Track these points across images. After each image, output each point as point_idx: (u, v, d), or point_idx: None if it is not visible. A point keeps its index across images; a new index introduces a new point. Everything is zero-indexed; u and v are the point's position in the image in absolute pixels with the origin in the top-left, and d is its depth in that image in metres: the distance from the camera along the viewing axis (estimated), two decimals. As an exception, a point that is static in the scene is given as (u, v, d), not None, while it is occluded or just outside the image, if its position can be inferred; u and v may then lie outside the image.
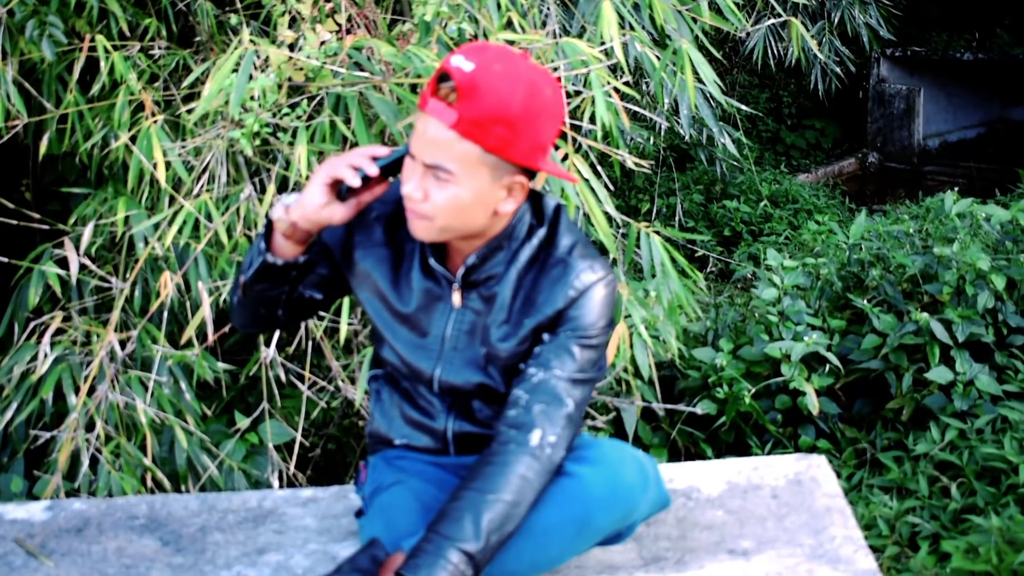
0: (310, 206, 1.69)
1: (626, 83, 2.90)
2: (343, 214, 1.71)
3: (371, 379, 1.91)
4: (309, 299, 1.83)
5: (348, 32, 2.89)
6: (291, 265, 1.75)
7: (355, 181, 1.66)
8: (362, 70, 2.77)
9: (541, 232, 1.73)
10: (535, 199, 1.76)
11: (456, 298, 1.76)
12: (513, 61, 1.60)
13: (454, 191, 1.61)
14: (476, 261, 1.72)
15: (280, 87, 2.73)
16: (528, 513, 1.66)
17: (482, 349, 1.75)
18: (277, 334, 3.00)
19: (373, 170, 1.67)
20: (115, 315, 2.92)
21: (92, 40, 2.98)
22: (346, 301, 2.80)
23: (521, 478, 1.64)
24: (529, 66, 1.62)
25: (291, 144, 2.78)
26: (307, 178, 2.79)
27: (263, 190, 2.98)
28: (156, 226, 2.90)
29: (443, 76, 1.58)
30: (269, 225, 1.75)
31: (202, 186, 2.88)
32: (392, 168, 1.72)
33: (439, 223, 1.65)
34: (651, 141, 6.36)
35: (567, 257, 1.71)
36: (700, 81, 3.00)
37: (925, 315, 3.71)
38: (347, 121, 2.76)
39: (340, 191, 1.70)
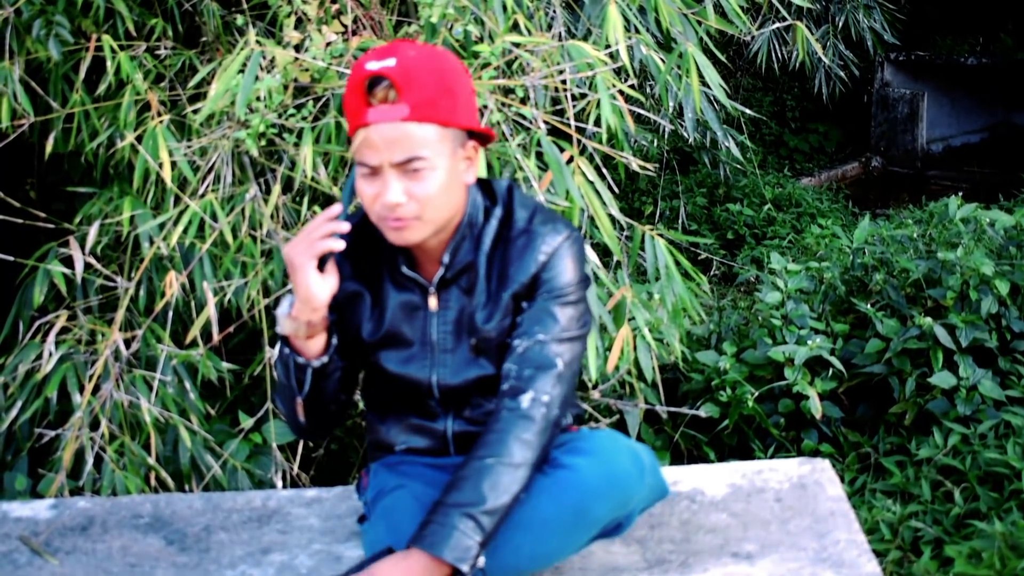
0: (314, 297, 1.68)
1: (631, 86, 2.90)
2: (334, 279, 1.72)
3: (364, 393, 1.93)
4: (350, 366, 1.84)
5: (354, 33, 2.89)
6: (332, 352, 1.76)
7: (340, 245, 1.67)
8: (368, 71, 2.77)
9: (498, 211, 1.78)
10: (484, 184, 1.80)
11: (433, 302, 1.78)
12: (413, 45, 1.66)
13: (433, 176, 1.65)
14: (450, 258, 1.75)
15: (286, 88, 2.73)
16: (528, 487, 1.67)
17: (471, 340, 1.77)
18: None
19: (345, 226, 1.69)
20: (120, 314, 2.92)
21: (98, 40, 2.98)
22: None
23: (517, 440, 1.66)
24: (423, 45, 1.70)
25: (296, 145, 2.78)
26: (312, 179, 2.80)
27: (268, 190, 2.98)
28: (161, 226, 2.90)
29: (371, 83, 1.62)
30: (287, 342, 1.75)
31: (207, 186, 2.88)
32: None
33: (428, 216, 1.68)
34: (655, 144, 6.36)
35: (528, 227, 1.75)
36: (705, 84, 3.00)
37: (928, 320, 3.71)
38: (353, 122, 2.75)
39: (320, 265, 1.71)
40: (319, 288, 1.68)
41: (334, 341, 1.76)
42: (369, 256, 1.80)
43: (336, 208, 1.69)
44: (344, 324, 1.81)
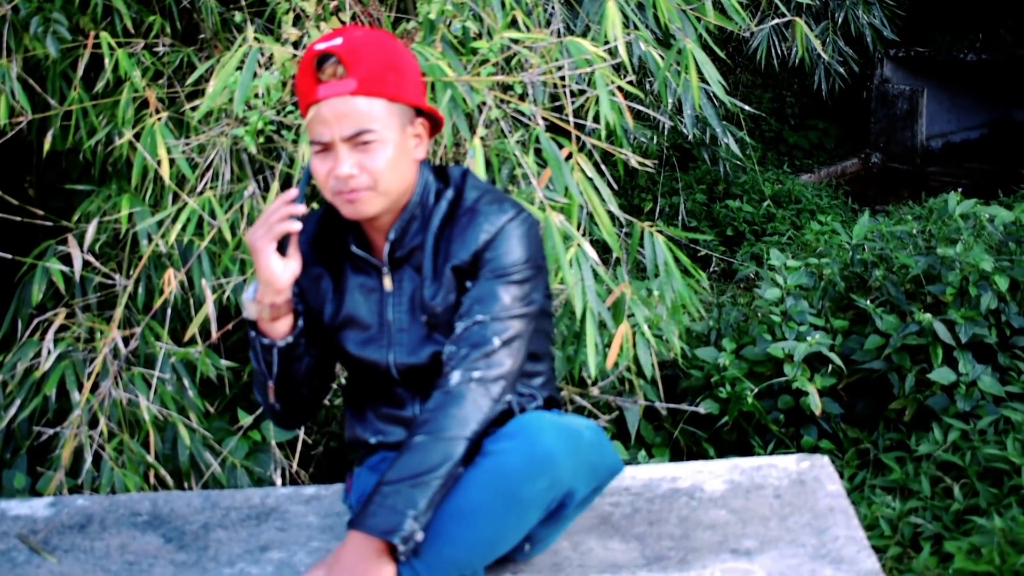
0: (275, 279, 1.73)
1: (630, 82, 2.90)
2: (296, 262, 1.76)
3: (343, 389, 1.95)
4: (321, 352, 1.88)
5: (352, 30, 2.89)
6: (299, 334, 1.80)
7: (297, 226, 1.72)
8: (366, 68, 2.76)
9: (449, 193, 1.81)
10: (439, 170, 1.84)
11: (387, 282, 1.82)
12: (360, 28, 1.76)
13: (383, 149, 1.71)
14: (397, 235, 1.78)
15: (284, 85, 2.73)
16: (465, 462, 1.68)
17: (423, 317, 1.79)
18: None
19: (302, 208, 1.73)
20: (118, 312, 2.92)
21: (96, 37, 2.98)
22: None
23: (447, 415, 1.68)
24: (370, 27, 1.78)
25: (295, 142, 2.78)
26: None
27: (267, 187, 2.98)
28: (160, 223, 2.90)
29: (320, 60, 1.68)
30: (254, 326, 1.79)
31: (206, 183, 2.88)
32: (307, 196, 1.80)
33: (381, 187, 1.72)
34: (654, 140, 6.35)
35: (475, 206, 1.78)
36: (704, 80, 3.00)
37: (928, 316, 3.70)
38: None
39: (281, 248, 1.74)
40: (280, 271, 1.73)
41: (300, 323, 1.80)
42: (332, 241, 1.85)
43: (293, 192, 1.74)
44: (308, 308, 1.86)
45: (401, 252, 1.80)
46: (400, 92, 1.72)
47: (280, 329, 1.78)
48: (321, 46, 1.70)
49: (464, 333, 1.73)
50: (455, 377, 1.71)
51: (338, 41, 1.69)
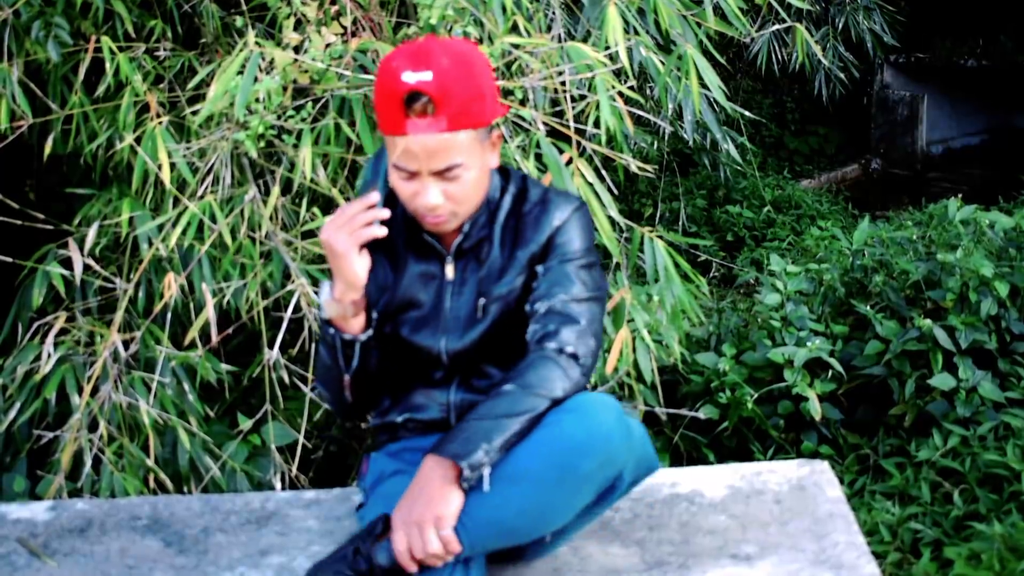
0: (358, 279, 1.75)
1: (630, 87, 2.90)
2: (368, 258, 1.78)
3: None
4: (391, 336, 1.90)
5: (353, 35, 2.89)
6: (376, 329, 1.84)
7: (382, 232, 1.74)
8: (367, 73, 2.77)
9: (512, 188, 1.86)
10: (500, 168, 1.88)
11: (449, 271, 1.85)
12: (444, 48, 1.71)
13: (469, 176, 1.74)
14: (470, 227, 1.82)
15: (285, 89, 2.73)
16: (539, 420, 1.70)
17: (481, 302, 1.83)
18: (280, 336, 3.00)
19: (386, 213, 1.75)
20: (119, 316, 2.92)
21: (97, 41, 2.98)
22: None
23: (538, 374, 1.71)
24: (456, 41, 1.76)
25: (296, 146, 2.78)
26: (311, 181, 2.79)
27: (267, 192, 2.98)
28: (160, 227, 2.90)
29: (410, 98, 1.67)
30: (329, 324, 1.81)
31: (206, 188, 2.88)
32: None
33: (464, 210, 1.78)
34: (655, 146, 6.35)
35: (544, 197, 1.84)
36: (704, 86, 3.00)
37: (928, 321, 3.70)
38: (351, 124, 2.76)
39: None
40: (362, 271, 1.75)
41: (374, 314, 1.83)
42: (391, 227, 1.84)
43: (374, 196, 1.75)
44: (365, 293, 1.86)
45: (468, 244, 1.84)
46: (483, 117, 1.74)
47: (358, 324, 1.81)
48: (410, 78, 1.67)
49: (548, 312, 1.78)
50: (551, 346, 1.75)
51: (428, 77, 1.67)
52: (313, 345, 3.04)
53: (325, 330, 1.82)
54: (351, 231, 1.73)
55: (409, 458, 1.86)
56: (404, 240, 1.86)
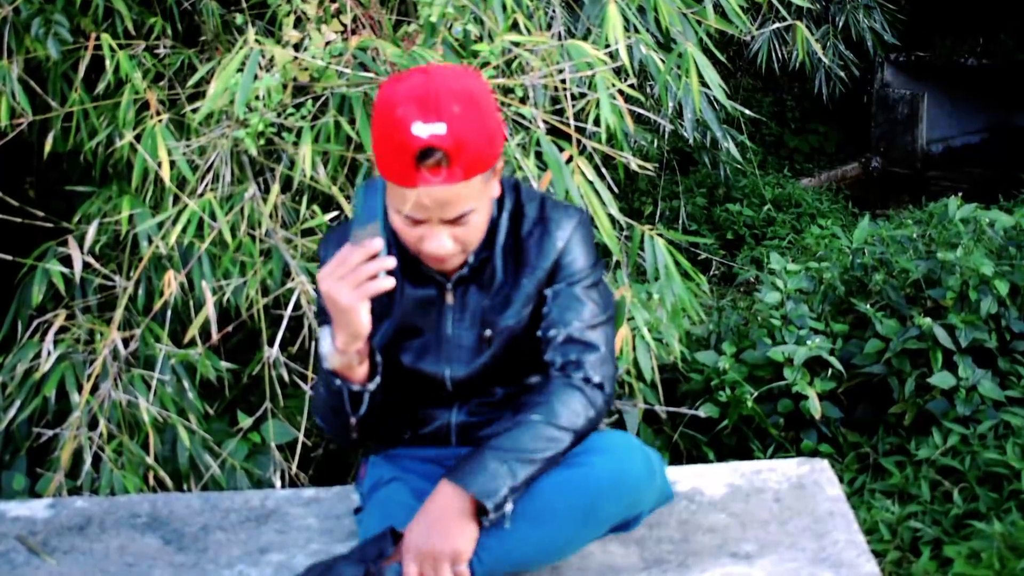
0: (364, 329, 1.64)
1: (631, 86, 2.90)
2: (369, 304, 1.67)
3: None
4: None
5: (353, 32, 2.89)
6: (381, 376, 1.76)
7: (391, 284, 1.60)
8: (367, 70, 2.77)
9: (508, 204, 1.78)
10: None
11: (449, 297, 1.79)
12: (455, 86, 1.58)
13: (477, 218, 1.67)
14: (474, 258, 1.76)
15: (285, 87, 2.73)
16: (560, 458, 1.68)
17: (484, 332, 1.78)
18: (279, 334, 3.00)
19: (392, 262, 1.61)
20: (118, 313, 2.92)
21: (97, 39, 2.98)
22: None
23: (565, 406, 1.69)
24: (460, 77, 1.62)
25: (295, 144, 2.78)
26: (311, 179, 2.79)
27: (267, 190, 2.98)
28: (160, 225, 2.90)
29: (422, 153, 1.55)
30: (335, 375, 1.71)
31: (206, 185, 2.88)
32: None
33: (471, 248, 1.71)
34: (655, 144, 6.35)
35: (542, 215, 1.77)
36: (704, 84, 3.00)
37: (928, 320, 3.70)
38: (351, 121, 2.76)
39: None
40: (368, 321, 1.64)
41: (378, 359, 1.74)
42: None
43: (378, 243, 1.60)
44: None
45: (466, 270, 1.77)
46: (492, 159, 1.64)
47: (363, 371, 1.72)
48: (422, 131, 1.55)
49: (568, 341, 1.73)
50: (577, 377, 1.71)
51: (442, 130, 1.55)
52: (313, 344, 3.04)
53: (331, 381, 1.72)
54: (355, 283, 1.60)
55: (408, 465, 1.85)
56: (401, 267, 1.77)
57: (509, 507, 1.63)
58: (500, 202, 1.78)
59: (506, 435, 1.66)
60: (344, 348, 1.67)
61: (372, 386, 1.73)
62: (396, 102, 1.57)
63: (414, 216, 1.63)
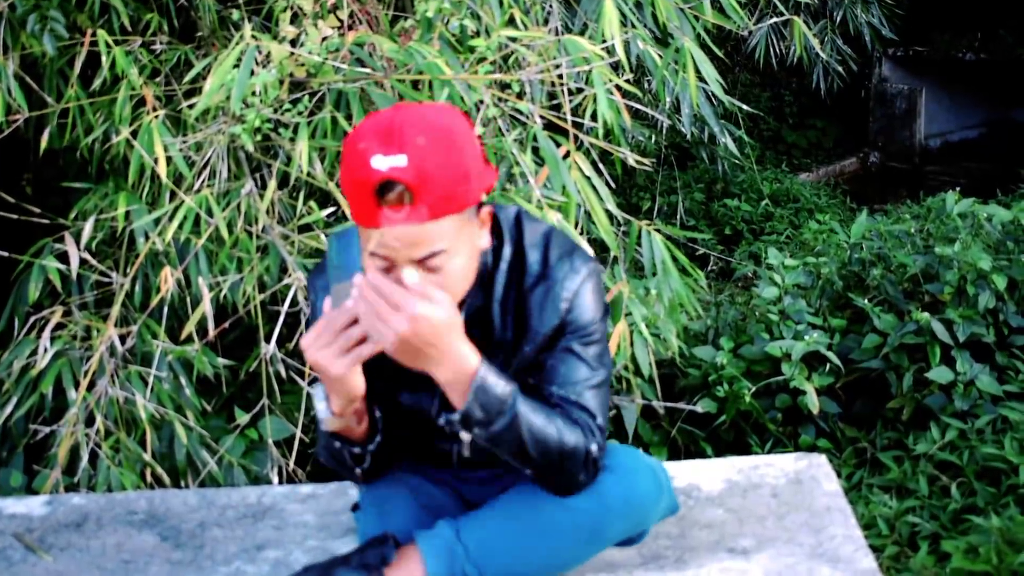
0: (359, 391, 1.59)
1: (628, 81, 2.89)
2: (360, 370, 1.61)
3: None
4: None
5: (350, 28, 2.88)
6: (380, 428, 1.70)
7: (381, 346, 1.51)
8: (364, 66, 2.77)
9: (507, 252, 1.67)
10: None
11: None
12: (422, 119, 1.48)
13: (454, 263, 1.53)
14: (465, 310, 1.64)
15: (281, 83, 2.72)
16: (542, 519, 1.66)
17: None
18: (277, 330, 3.00)
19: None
20: (115, 310, 2.92)
21: (93, 35, 2.97)
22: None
23: (573, 433, 1.61)
24: (434, 111, 1.52)
25: (292, 140, 2.77)
26: (308, 174, 2.79)
27: (264, 186, 2.98)
28: (157, 221, 2.89)
29: (382, 188, 1.44)
30: (334, 437, 1.67)
31: (203, 181, 2.87)
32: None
33: (455, 296, 1.56)
34: (652, 139, 6.35)
35: (544, 270, 1.65)
36: (702, 79, 3.00)
37: (926, 315, 3.70)
38: (348, 117, 2.75)
39: None
40: (362, 383, 1.58)
41: (378, 414, 1.68)
42: None
43: (344, 313, 1.51)
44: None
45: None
46: (468, 198, 1.50)
47: (363, 430, 1.67)
48: (381, 164, 1.43)
49: (564, 401, 1.64)
50: (591, 451, 1.64)
51: (402, 162, 1.43)
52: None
53: (331, 444, 1.67)
54: (342, 350, 1.51)
55: (406, 465, 1.84)
56: None
57: (467, 437, 1.57)
58: (498, 247, 1.66)
59: (537, 408, 1.59)
60: (341, 411, 1.61)
61: (372, 447, 1.68)
62: (360, 137, 1.48)
63: (380, 254, 1.50)
